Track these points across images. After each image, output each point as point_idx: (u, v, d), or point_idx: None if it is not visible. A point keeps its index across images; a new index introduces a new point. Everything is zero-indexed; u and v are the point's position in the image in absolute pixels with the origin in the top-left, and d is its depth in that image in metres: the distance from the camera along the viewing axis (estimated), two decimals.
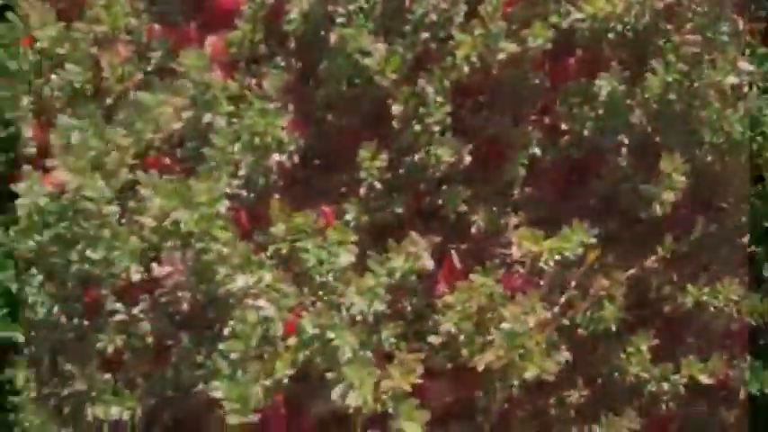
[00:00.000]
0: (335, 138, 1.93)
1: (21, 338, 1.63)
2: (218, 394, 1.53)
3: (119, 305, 1.71)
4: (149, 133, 1.56)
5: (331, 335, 1.62)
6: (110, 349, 1.68)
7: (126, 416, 1.64)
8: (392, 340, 1.78)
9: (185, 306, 1.66)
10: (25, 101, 1.69)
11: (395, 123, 1.88)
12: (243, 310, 1.55)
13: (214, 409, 1.69)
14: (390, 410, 1.62)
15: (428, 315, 1.86)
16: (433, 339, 1.82)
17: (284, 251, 1.76)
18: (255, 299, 1.58)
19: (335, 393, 1.58)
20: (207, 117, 1.70)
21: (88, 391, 1.63)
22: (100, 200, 1.58)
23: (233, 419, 1.47)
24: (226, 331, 1.68)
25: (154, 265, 1.70)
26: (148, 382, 1.69)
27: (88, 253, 1.61)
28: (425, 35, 1.86)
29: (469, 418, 1.86)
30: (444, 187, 1.92)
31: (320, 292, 1.71)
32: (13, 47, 1.71)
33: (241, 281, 1.62)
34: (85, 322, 1.72)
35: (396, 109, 1.81)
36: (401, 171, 1.89)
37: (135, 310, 1.72)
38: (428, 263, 1.66)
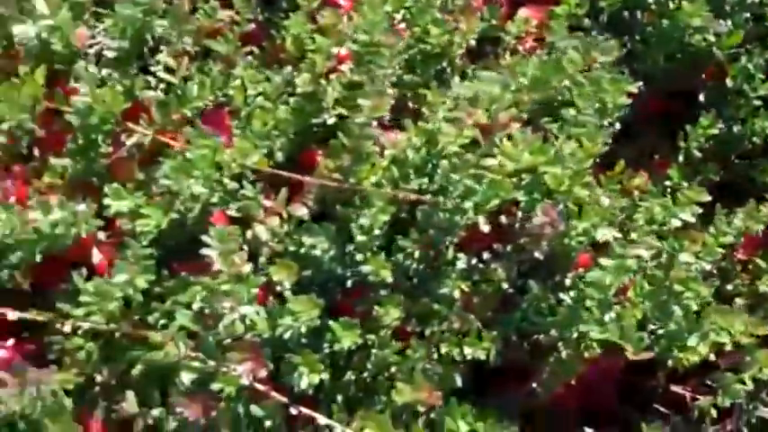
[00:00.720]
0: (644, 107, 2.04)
1: (389, 278, 1.74)
2: (596, 335, 1.65)
3: (460, 254, 1.83)
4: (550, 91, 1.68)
5: (679, 288, 1.74)
6: (456, 294, 1.79)
7: (481, 356, 1.75)
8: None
9: (540, 255, 1.76)
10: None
11: (702, 97, 2.01)
12: (616, 259, 1.66)
13: (549, 354, 1.84)
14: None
15: (730, 277, 1.98)
16: (738, 301, 1.94)
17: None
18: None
19: (692, 341, 1.69)
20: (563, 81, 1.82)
21: (456, 330, 1.74)
22: (482, 152, 1.70)
23: (632, 356, 1.59)
24: (567, 281, 1.82)
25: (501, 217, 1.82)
26: (491, 327, 1.80)
27: (455, 204, 1.74)
28: (745, 15, 1.98)
29: None
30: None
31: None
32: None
33: (600, 233, 1.74)
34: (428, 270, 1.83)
35: (729, 82, 1.93)
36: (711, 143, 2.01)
37: (473, 260, 1.84)
38: None
